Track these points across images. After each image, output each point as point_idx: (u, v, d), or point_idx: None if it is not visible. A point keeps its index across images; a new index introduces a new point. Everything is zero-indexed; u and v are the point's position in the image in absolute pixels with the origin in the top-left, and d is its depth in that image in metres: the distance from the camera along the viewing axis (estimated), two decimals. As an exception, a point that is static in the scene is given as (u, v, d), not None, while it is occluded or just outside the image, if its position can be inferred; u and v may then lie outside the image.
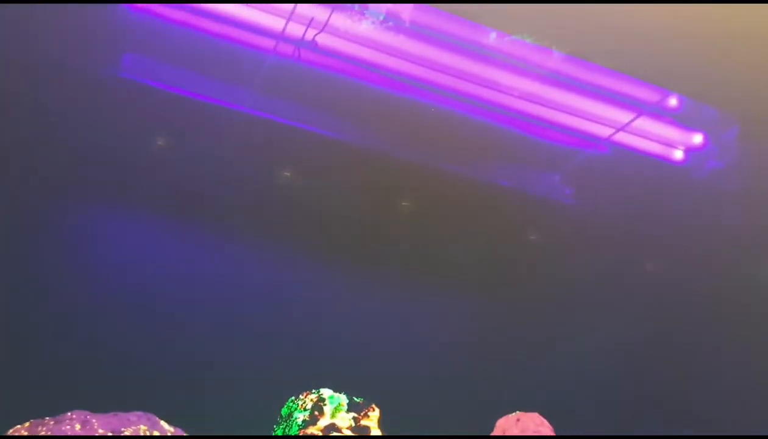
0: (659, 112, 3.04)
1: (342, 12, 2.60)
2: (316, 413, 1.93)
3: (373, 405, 2.07)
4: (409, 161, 3.21)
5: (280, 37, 2.74)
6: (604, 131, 3.11)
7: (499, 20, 2.57)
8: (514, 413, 2.39)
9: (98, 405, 1.95)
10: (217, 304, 3.08)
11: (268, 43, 2.77)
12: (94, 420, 1.60)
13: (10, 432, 1.65)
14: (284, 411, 2.05)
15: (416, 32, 2.68)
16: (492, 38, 2.69)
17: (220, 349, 2.99)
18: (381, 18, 2.59)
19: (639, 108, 3.01)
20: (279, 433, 1.99)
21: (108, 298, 2.92)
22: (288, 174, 3.20)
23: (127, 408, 1.88)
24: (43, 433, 1.56)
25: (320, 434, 1.89)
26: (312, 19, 2.63)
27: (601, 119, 3.10)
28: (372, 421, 2.01)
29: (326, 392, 2.00)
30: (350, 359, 3.05)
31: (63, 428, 1.55)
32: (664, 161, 3.16)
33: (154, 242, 3.18)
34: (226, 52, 2.81)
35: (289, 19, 2.65)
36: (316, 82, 2.94)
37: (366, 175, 3.21)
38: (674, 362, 3.31)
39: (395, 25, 2.65)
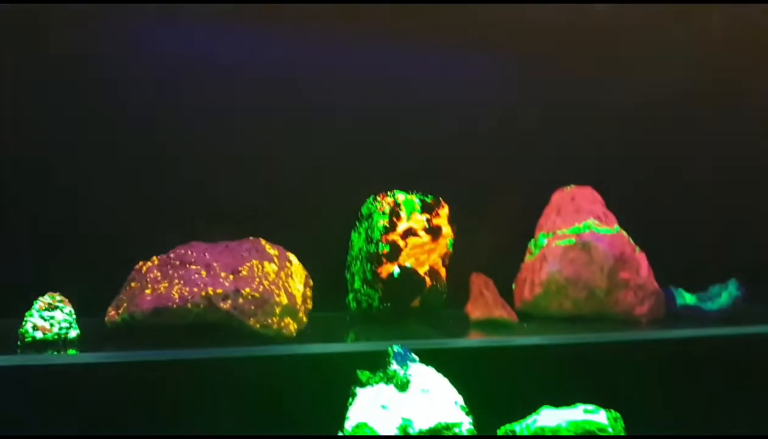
0: None
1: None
2: (394, 219, 2.05)
3: (442, 202, 2.15)
4: None
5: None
6: None
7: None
8: (569, 187, 2.39)
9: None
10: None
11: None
12: (214, 262, 1.77)
13: (137, 267, 1.81)
14: (364, 210, 2.16)
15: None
16: None
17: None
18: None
19: None
20: (362, 230, 2.13)
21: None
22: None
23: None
24: (171, 272, 1.76)
25: (400, 238, 2.03)
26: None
27: None
28: (442, 219, 2.12)
29: (400, 197, 2.10)
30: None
31: (191, 275, 1.75)
32: None
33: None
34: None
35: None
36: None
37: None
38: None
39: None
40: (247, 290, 1.70)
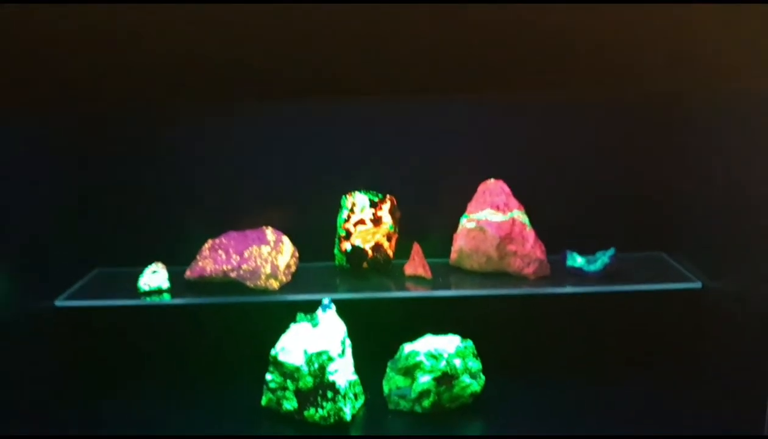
0: None
1: None
2: (350, 213, 3.14)
3: (386, 199, 3.14)
4: None
5: None
6: None
7: None
8: (490, 180, 3.29)
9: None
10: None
11: None
12: (231, 249, 3.20)
13: (208, 243, 3.32)
14: (342, 202, 3.17)
15: None
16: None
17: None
18: None
19: None
20: (340, 214, 3.17)
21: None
22: None
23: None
24: (211, 253, 3.25)
25: (352, 226, 3.13)
26: None
27: None
28: (383, 211, 3.14)
29: (358, 197, 3.13)
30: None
31: (216, 257, 3.22)
32: None
33: None
34: None
35: None
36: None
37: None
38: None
39: None
40: (245, 266, 3.10)
